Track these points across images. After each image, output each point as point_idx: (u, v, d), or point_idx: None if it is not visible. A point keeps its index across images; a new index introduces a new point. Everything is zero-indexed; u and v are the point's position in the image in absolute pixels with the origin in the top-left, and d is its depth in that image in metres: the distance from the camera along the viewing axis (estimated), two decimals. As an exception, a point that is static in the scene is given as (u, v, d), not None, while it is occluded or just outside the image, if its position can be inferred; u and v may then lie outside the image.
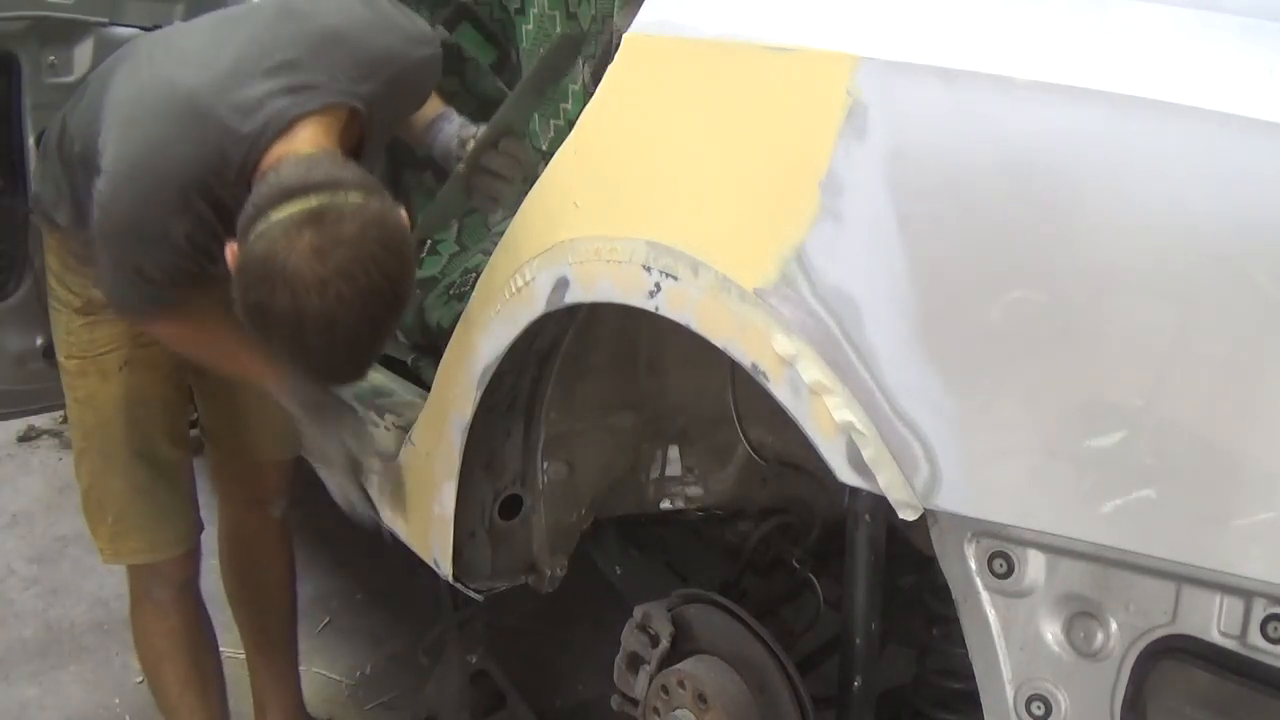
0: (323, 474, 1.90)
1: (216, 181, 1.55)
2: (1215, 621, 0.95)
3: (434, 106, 1.87)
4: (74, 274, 1.85)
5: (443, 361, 1.73)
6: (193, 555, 2.06)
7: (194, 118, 1.54)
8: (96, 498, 1.98)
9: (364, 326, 1.43)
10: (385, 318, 1.46)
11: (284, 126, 1.54)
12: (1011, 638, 1.06)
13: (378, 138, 1.73)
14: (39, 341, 2.51)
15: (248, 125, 1.53)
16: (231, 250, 1.47)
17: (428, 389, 1.83)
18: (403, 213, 1.50)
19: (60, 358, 1.92)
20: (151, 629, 2.09)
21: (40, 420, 3.70)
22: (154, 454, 1.95)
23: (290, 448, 2.15)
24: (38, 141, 2.09)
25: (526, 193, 1.53)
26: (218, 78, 1.56)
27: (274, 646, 2.30)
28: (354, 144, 1.65)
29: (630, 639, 1.58)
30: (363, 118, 1.64)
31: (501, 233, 1.59)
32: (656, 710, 1.52)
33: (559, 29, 2.39)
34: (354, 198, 1.43)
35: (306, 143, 1.54)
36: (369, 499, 1.90)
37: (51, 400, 2.44)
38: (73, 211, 1.77)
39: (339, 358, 1.47)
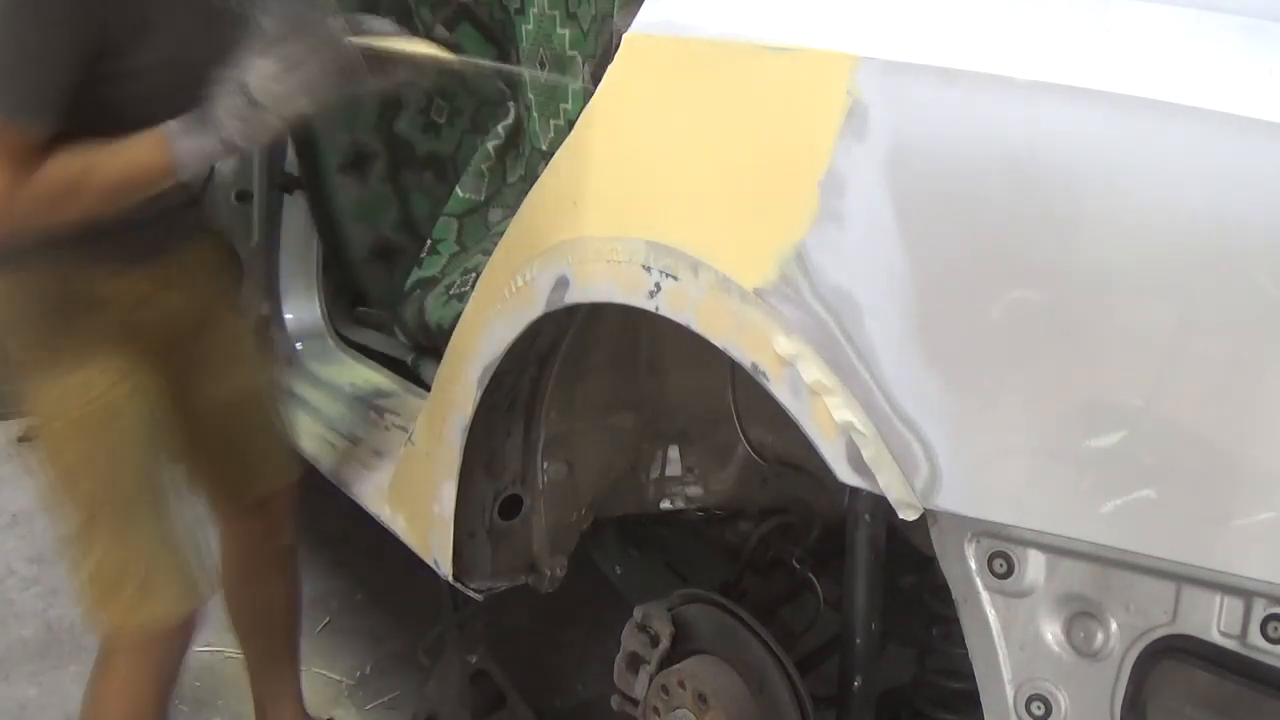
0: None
1: None
2: (1215, 621, 0.95)
3: None
4: (28, 320, 1.69)
5: (443, 361, 1.73)
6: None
7: None
8: (113, 569, 1.69)
9: None
10: None
11: None
12: (1011, 638, 1.06)
13: None
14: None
15: None
16: None
17: (428, 389, 1.83)
18: None
19: (36, 429, 1.71)
20: (143, 689, 1.78)
21: (40, 420, 3.68)
22: (164, 482, 1.76)
23: (294, 467, 2.07)
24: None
25: (525, 191, 1.53)
26: None
27: (277, 658, 2.27)
28: None
29: (630, 639, 1.58)
30: None
31: (501, 233, 1.59)
32: (656, 710, 1.52)
33: (559, 29, 2.40)
34: None
35: None
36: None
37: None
38: None
39: None
